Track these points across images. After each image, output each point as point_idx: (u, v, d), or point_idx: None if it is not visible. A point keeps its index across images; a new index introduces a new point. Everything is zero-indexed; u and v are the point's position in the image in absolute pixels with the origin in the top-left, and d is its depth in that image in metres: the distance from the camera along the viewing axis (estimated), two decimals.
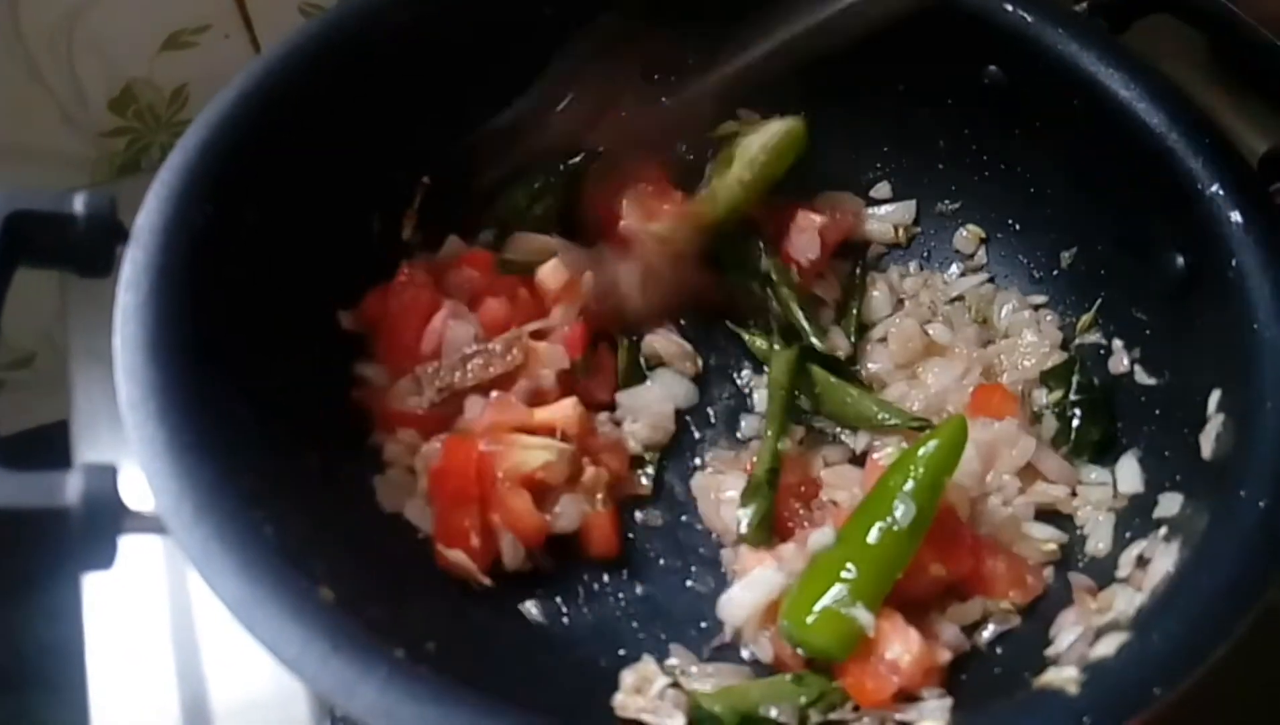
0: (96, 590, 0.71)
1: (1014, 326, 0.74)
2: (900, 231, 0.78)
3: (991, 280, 0.76)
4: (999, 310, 0.75)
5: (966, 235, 0.77)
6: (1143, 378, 0.67)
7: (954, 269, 0.78)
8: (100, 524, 0.46)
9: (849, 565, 0.57)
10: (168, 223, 0.57)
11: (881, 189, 0.80)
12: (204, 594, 0.69)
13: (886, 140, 0.79)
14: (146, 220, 0.57)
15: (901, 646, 0.55)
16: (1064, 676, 0.45)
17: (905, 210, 0.79)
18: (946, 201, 0.78)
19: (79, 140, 0.94)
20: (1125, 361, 0.68)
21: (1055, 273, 0.73)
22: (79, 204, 0.55)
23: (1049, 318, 0.73)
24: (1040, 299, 0.74)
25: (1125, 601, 0.55)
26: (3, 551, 0.47)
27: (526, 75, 0.73)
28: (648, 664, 0.60)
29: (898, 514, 0.57)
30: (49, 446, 0.82)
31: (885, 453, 0.67)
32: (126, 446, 0.50)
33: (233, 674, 0.69)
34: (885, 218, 0.79)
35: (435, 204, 0.74)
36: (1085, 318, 0.71)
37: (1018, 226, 0.75)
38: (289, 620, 0.46)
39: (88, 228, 0.55)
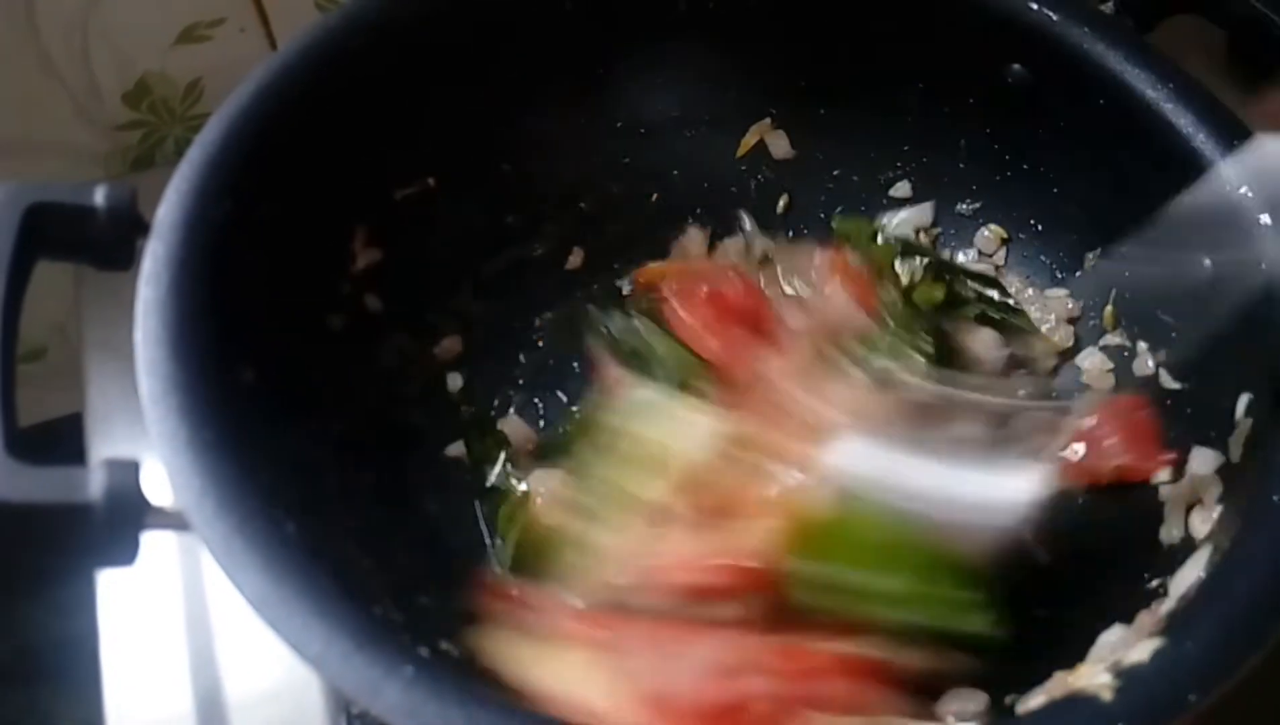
0: (111, 585, 0.71)
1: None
2: (920, 235, 0.78)
3: (995, 269, 0.76)
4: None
5: (988, 235, 0.76)
6: (1168, 382, 0.66)
7: (961, 258, 0.77)
8: (123, 520, 0.46)
9: None
10: (188, 217, 0.56)
11: (901, 188, 0.79)
12: (218, 588, 0.70)
13: (906, 139, 0.78)
14: (167, 214, 0.56)
15: None
16: (1097, 682, 0.45)
17: (922, 213, 0.78)
18: (968, 201, 0.77)
19: (92, 134, 0.94)
20: (1150, 364, 0.67)
21: (1079, 273, 0.73)
22: (99, 196, 0.55)
23: (1067, 307, 0.73)
24: (1057, 293, 0.74)
25: (1154, 611, 0.54)
26: (23, 547, 0.47)
27: (548, 70, 0.73)
28: None
29: None
30: (59, 440, 0.82)
31: None
32: (142, 441, 0.50)
33: (248, 668, 0.69)
34: (903, 222, 0.78)
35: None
36: (1107, 318, 0.71)
37: (1040, 227, 0.75)
38: (312, 618, 0.45)
39: (108, 220, 0.55)
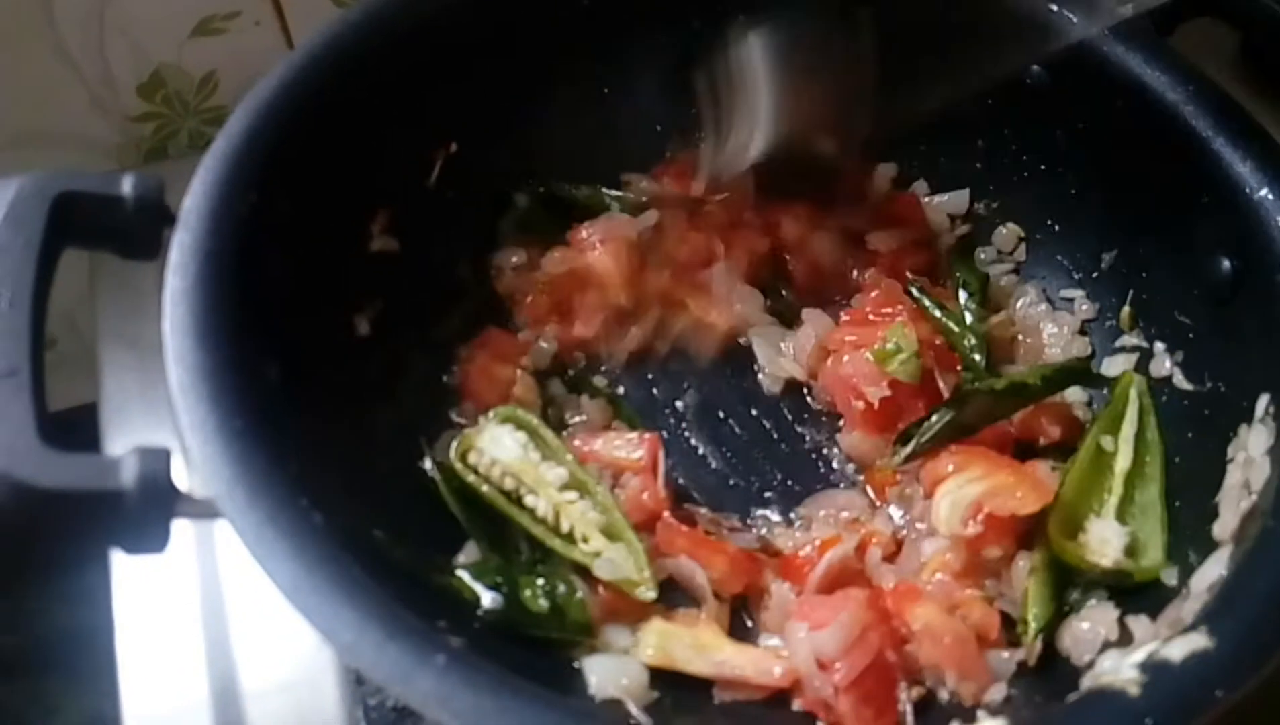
0: (127, 575, 0.71)
1: (1030, 319, 0.74)
2: (955, 222, 0.78)
3: (1016, 271, 0.76)
4: (1016, 302, 0.75)
5: (1006, 233, 0.77)
6: (1182, 382, 0.66)
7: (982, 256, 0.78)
8: (154, 507, 0.46)
9: None
10: (214, 208, 0.57)
11: (919, 187, 0.79)
12: (234, 578, 0.70)
13: (924, 138, 0.79)
14: (193, 204, 0.57)
15: None
16: (1124, 678, 0.45)
17: (958, 200, 0.78)
18: (984, 201, 0.78)
19: (107, 125, 0.93)
20: (1167, 365, 0.68)
21: (1095, 274, 0.73)
22: (127, 186, 0.55)
23: (1081, 308, 0.73)
24: (1073, 293, 0.74)
25: (1177, 608, 0.55)
26: (56, 533, 0.47)
27: (566, 62, 0.74)
28: None
29: None
30: (71, 430, 0.82)
31: None
32: (157, 431, 0.50)
33: (263, 657, 0.69)
34: (940, 207, 0.78)
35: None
36: (1124, 319, 0.71)
37: (1058, 227, 0.75)
38: (345, 606, 0.45)
39: (136, 210, 0.55)
